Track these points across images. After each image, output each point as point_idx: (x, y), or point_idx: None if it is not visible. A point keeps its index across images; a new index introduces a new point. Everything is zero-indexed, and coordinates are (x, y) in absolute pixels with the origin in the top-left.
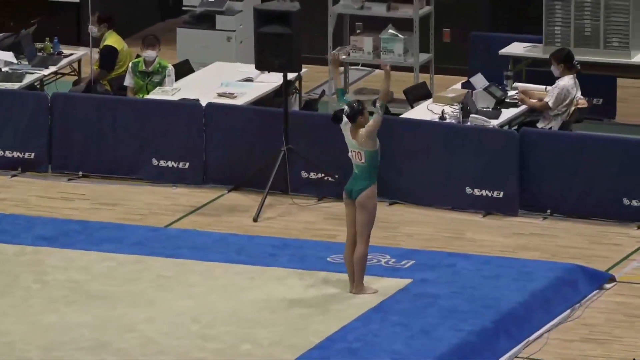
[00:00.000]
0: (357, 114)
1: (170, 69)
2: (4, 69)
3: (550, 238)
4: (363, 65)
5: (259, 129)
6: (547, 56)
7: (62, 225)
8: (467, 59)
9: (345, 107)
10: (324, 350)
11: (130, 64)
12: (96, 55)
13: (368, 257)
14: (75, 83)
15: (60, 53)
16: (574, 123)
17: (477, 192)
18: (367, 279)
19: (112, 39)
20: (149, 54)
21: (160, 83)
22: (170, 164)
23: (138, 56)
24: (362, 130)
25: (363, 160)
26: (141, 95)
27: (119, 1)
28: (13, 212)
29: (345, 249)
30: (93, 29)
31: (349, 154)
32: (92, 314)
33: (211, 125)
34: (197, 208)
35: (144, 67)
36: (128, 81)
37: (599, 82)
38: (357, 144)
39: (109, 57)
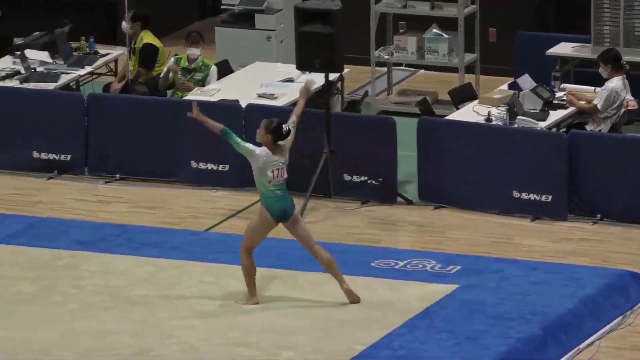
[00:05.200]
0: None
1: (214, 70)
2: (39, 69)
3: (600, 243)
4: (406, 65)
5: (300, 130)
6: (595, 56)
7: (100, 229)
8: (513, 59)
9: (285, 126)
10: (367, 358)
11: (172, 59)
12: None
13: (413, 261)
14: (106, 86)
15: (96, 52)
16: (624, 125)
17: (524, 195)
18: (411, 284)
19: (150, 38)
20: (193, 51)
21: (202, 81)
22: (209, 166)
23: (176, 54)
24: (286, 146)
25: (286, 175)
26: (179, 94)
27: (158, 0)
28: (49, 216)
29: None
30: (127, 27)
31: (269, 174)
32: (131, 320)
33: (251, 126)
34: (238, 212)
35: (186, 64)
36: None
37: None
38: (285, 159)
39: (149, 55)
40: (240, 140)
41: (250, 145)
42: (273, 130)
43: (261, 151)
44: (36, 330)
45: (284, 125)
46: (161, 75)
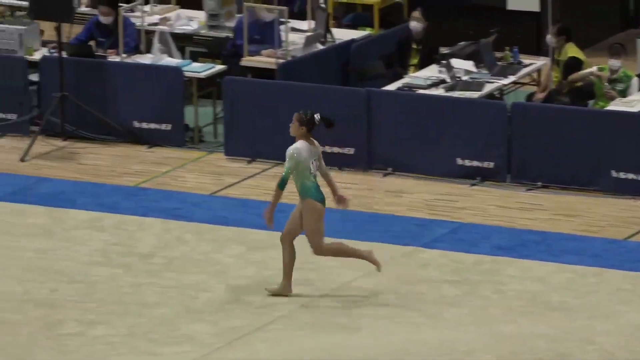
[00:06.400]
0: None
1: (635, 81)
2: (464, 78)
3: None
4: None
5: None
6: None
7: (520, 235)
8: None
9: (316, 116)
10: None
11: (595, 67)
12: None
13: None
14: (529, 96)
15: (519, 62)
16: None
17: None
18: None
19: (574, 51)
20: (614, 62)
21: (623, 92)
22: (630, 176)
23: (599, 65)
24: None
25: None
26: (601, 104)
27: (580, 12)
28: (471, 222)
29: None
30: (552, 40)
31: (311, 166)
32: (550, 325)
33: None
34: None
35: (608, 74)
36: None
37: None
38: (318, 150)
39: (574, 68)
40: (283, 175)
41: (287, 164)
42: (308, 122)
43: (301, 146)
44: (461, 333)
45: (315, 115)
46: (581, 72)
